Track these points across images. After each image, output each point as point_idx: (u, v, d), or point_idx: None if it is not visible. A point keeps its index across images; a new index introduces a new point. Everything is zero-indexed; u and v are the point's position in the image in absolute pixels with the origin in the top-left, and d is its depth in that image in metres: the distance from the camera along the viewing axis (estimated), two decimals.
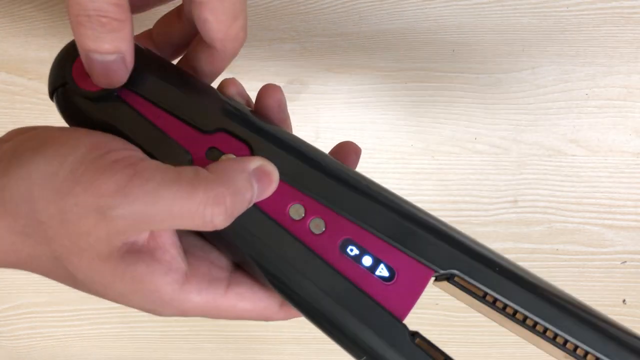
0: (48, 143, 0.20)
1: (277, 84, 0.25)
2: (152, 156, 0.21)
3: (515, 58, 0.45)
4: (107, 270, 0.20)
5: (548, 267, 0.49)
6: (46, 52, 0.47)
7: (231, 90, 0.25)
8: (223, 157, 0.23)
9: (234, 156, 0.23)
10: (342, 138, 0.26)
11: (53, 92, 0.24)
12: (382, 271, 0.22)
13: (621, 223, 0.48)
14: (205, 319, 0.53)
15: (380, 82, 0.46)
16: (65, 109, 0.24)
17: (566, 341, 0.21)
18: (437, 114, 0.47)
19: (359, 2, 0.44)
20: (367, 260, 0.22)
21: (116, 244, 0.19)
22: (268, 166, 0.22)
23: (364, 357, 0.21)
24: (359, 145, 0.27)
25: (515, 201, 0.48)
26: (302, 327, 0.52)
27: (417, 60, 0.46)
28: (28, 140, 0.20)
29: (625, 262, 0.49)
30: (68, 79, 0.23)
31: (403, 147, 0.47)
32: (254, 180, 0.21)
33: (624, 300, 0.50)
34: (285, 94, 0.25)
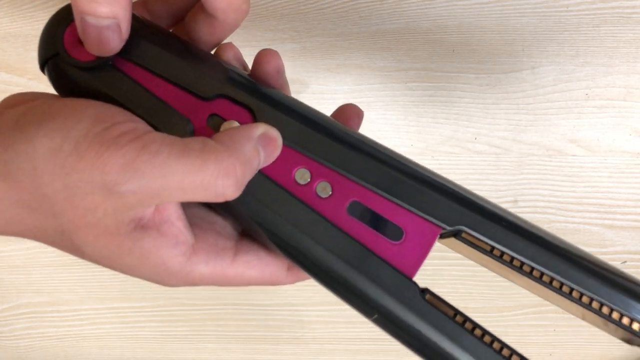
0: (51, 116, 0.19)
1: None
2: (152, 126, 0.21)
3: (515, 58, 0.45)
4: (115, 245, 0.20)
5: None
6: None
7: (228, 55, 0.25)
8: (225, 123, 0.22)
9: (237, 123, 0.22)
10: None
11: (44, 64, 0.23)
12: (391, 231, 0.22)
13: (621, 223, 0.48)
14: (206, 319, 0.53)
15: (380, 82, 0.46)
16: (59, 81, 0.23)
17: (572, 289, 0.21)
18: (437, 114, 0.47)
19: (359, 2, 0.44)
20: (375, 221, 0.22)
21: (124, 220, 0.19)
22: (272, 132, 0.21)
23: (375, 316, 0.21)
24: None
25: (515, 201, 0.48)
26: (302, 327, 0.52)
27: (417, 60, 0.46)
28: (31, 112, 0.20)
29: (625, 262, 0.49)
30: (60, 48, 0.22)
31: (403, 147, 0.47)
32: (260, 147, 0.21)
33: None
34: None
